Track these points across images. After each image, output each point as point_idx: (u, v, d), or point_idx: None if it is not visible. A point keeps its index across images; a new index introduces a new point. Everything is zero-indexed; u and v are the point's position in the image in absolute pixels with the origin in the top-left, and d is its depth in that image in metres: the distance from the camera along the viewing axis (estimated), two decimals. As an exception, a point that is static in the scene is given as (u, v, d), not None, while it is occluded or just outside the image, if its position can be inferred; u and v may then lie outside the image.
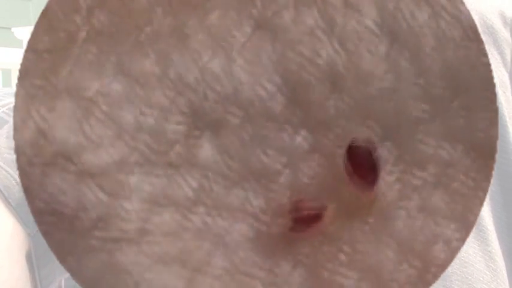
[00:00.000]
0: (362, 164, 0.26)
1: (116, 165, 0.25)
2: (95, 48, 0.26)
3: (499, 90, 0.51)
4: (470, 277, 0.46)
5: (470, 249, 0.47)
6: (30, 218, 0.38)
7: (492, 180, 0.48)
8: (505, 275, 0.48)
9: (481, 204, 0.27)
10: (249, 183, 0.26)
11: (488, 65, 0.27)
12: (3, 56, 2.19)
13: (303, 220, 0.26)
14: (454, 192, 0.26)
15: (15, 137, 0.25)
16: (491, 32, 0.52)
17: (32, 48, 0.26)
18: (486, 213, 0.48)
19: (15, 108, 0.25)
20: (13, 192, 0.39)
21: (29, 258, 0.39)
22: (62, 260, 0.25)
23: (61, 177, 0.25)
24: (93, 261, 0.25)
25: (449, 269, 0.46)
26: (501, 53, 0.52)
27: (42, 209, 0.25)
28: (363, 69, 0.26)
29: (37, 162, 0.25)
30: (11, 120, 0.44)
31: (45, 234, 0.25)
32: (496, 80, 0.51)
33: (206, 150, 0.26)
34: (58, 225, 0.25)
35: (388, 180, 0.26)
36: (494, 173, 0.48)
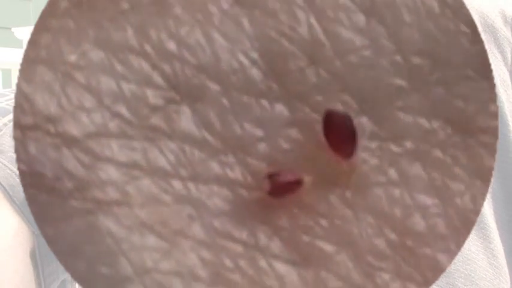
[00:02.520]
0: (340, 133, 0.26)
1: (95, 131, 0.26)
2: (73, 20, 0.26)
3: (500, 88, 0.51)
4: (473, 274, 0.46)
5: (472, 246, 0.47)
6: None
7: (493, 178, 0.49)
8: (507, 272, 0.48)
9: (462, 183, 0.27)
10: (227, 154, 0.26)
11: (468, 41, 0.27)
12: (3, 56, 2.20)
13: (281, 188, 0.26)
14: (432, 166, 0.27)
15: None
16: (491, 31, 0.53)
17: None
18: (488, 211, 0.48)
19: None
20: (18, 191, 0.39)
21: (33, 256, 0.39)
22: (42, 226, 0.25)
23: (42, 141, 0.25)
24: (74, 224, 0.25)
25: (453, 266, 0.46)
26: (502, 52, 0.52)
27: (24, 171, 0.25)
28: (340, 41, 0.26)
29: (21, 124, 0.25)
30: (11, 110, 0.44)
31: (29, 200, 0.25)
32: (497, 79, 0.51)
33: (185, 120, 0.26)
34: (39, 187, 0.25)
35: (365, 153, 0.26)
36: (495, 171, 0.48)
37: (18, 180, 0.39)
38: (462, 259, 0.46)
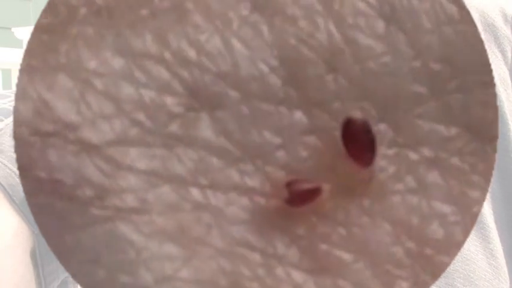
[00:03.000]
0: (359, 142, 0.26)
1: (115, 139, 0.26)
2: (92, 27, 0.26)
3: (500, 88, 0.51)
4: (472, 274, 0.46)
5: (472, 246, 0.47)
6: None
7: (493, 178, 0.48)
8: (506, 272, 0.48)
9: (480, 190, 0.27)
10: (246, 162, 0.26)
11: (484, 47, 0.27)
12: (3, 56, 2.20)
13: (299, 196, 0.26)
14: (449, 174, 0.27)
15: (15, 110, 0.25)
16: (492, 30, 0.52)
17: (34, 29, 0.26)
18: (487, 211, 0.48)
19: (17, 86, 0.26)
20: (17, 191, 0.39)
21: (33, 256, 0.39)
22: (61, 234, 0.25)
23: (63, 148, 0.25)
24: (94, 232, 0.25)
25: (451, 267, 0.46)
26: (502, 51, 0.52)
27: (43, 179, 0.25)
28: (360, 48, 0.26)
29: (40, 131, 0.25)
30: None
31: (46, 207, 0.25)
32: (497, 78, 0.51)
33: (204, 128, 0.26)
34: (58, 194, 0.25)
35: (383, 160, 0.26)
36: (495, 170, 0.48)
37: (17, 180, 0.39)
38: (461, 259, 0.46)
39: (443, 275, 0.45)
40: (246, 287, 0.25)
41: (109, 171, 0.26)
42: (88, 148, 0.26)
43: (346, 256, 0.26)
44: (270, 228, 0.26)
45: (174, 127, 0.26)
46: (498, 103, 0.49)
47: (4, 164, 0.40)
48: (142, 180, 0.26)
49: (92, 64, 0.26)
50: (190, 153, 0.26)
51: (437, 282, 0.45)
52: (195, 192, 0.26)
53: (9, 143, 0.41)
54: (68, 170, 0.25)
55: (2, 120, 0.45)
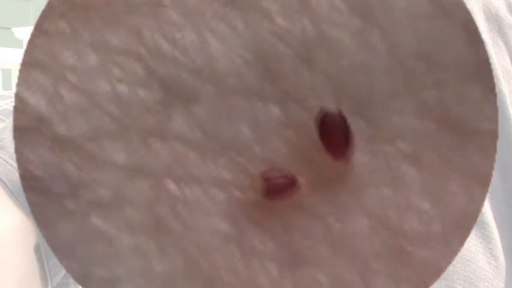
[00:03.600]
0: (334, 135, 0.26)
1: (89, 133, 0.26)
2: (67, 23, 0.26)
3: (502, 80, 0.50)
4: (472, 275, 0.46)
5: (472, 246, 0.47)
6: None
7: (493, 176, 0.48)
8: (504, 272, 0.48)
9: (457, 185, 0.27)
10: (221, 156, 0.26)
11: (470, 42, 0.27)
12: (3, 56, 2.20)
13: (276, 190, 0.26)
14: (426, 168, 0.27)
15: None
16: (495, 20, 0.51)
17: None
18: (487, 210, 0.48)
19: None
20: (19, 186, 0.39)
21: (37, 249, 0.39)
22: (41, 227, 0.25)
23: (38, 143, 0.26)
24: (69, 225, 0.25)
25: (451, 268, 0.46)
26: (506, 41, 0.51)
27: (22, 175, 0.25)
28: (336, 44, 0.26)
29: (18, 126, 0.26)
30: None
31: (28, 201, 0.25)
32: (500, 70, 0.50)
33: (179, 121, 0.26)
34: (36, 189, 0.25)
35: (360, 154, 0.26)
36: (495, 168, 0.48)
37: (18, 175, 0.39)
38: (461, 260, 0.45)
39: (443, 276, 0.45)
40: (223, 279, 0.26)
41: (84, 165, 0.26)
42: (63, 142, 0.26)
43: (323, 249, 0.26)
44: (247, 221, 0.26)
45: (149, 121, 0.26)
46: (499, 97, 0.48)
47: (5, 160, 0.40)
48: (117, 174, 0.26)
49: (67, 59, 0.26)
50: (165, 147, 0.26)
51: (437, 285, 0.45)
52: (171, 186, 0.26)
53: (9, 138, 0.41)
54: (43, 164, 0.26)
55: (3, 121, 0.45)
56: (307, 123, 0.26)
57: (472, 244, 0.46)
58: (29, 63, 0.26)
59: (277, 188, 0.26)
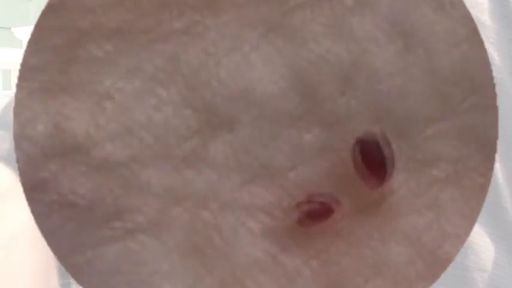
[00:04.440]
0: (371, 162, 0.26)
1: (128, 159, 0.26)
2: (104, 48, 0.26)
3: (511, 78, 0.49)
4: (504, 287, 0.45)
5: (500, 262, 0.46)
6: None
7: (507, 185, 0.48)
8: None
9: (484, 201, 0.27)
10: (260, 180, 0.26)
11: (490, 69, 0.27)
12: (3, 56, 2.19)
13: (313, 215, 0.26)
14: (464, 189, 0.27)
15: (22, 133, 0.25)
16: (503, 11, 0.51)
17: (38, 46, 0.26)
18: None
19: (20, 105, 0.25)
20: None
21: None
22: (71, 255, 0.25)
23: (76, 169, 0.25)
24: (106, 251, 0.25)
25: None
26: None
27: (55, 201, 0.25)
28: (374, 68, 0.26)
29: (52, 153, 0.25)
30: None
31: (56, 229, 0.25)
32: (510, 67, 0.50)
33: (218, 147, 0.26)
34: (72, 216, 0.25)
35: (398, 178, 0.26)
36: (506, 176, 0.48)
37: None
38: (493, 276, 0.45)
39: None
40: None
41: (120, 191, 0.26)
42: (100, 169, 0.26)
43: (358, 278, 0.26)
44: (282, 249, 0.26)
45: (185, 149, 0.26)
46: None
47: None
48: (154, 202, 0.26)
49: (103, 86, 0.26)
50: (200, 175, 0.26)
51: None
52: (206, 214, 0.26)
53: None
54: (80, 191, 0.25)
55: None
56: (344, 150, 0.26)
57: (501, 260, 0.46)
58: (62, 90, 0.26)
59: (311, 215, 0.26)
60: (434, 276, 0.26)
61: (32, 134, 0.25)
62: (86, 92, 0.26)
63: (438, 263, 0.26)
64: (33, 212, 0.25)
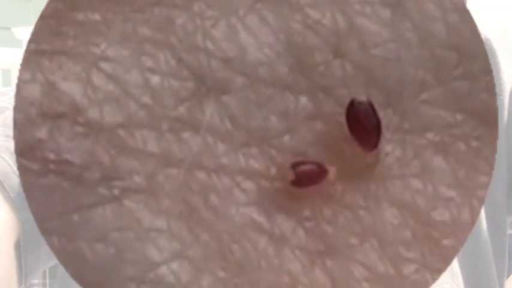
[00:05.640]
0: (364, 125, 0.26)
1: (123, 121, 0.26)
2: (99, 13, 0.26)
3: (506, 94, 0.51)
4: None
5: None
6: (25, 203, 0.38)
7: None
8: (461, 278, 0.48)
9: (485, 174, 0.27)
10: (251, 146, 0.26)
11: (480, 35, 0.27)
12: (3, 56, 2.19)
13: (305, 178, 0.26)
14: (455, 158, 0.27)
15: (20, 92, 0.26)
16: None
17: (40, 16, 0.26)
18: None
19: (21, 69, 0.26)
20: (9, 178, 0.39)
21: (17, 245, 0.39)
22: (67, 213, 0.25)
23: (71, 129, 0.26)
24: (102, 211, 0.25)
25: None
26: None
27: (51, 160, 0.25)
28: (366, 35, 0.27)
29: (49, 113, 0.26)
30: (10, 108, 0.44)
31: (51, 187, 0.25)
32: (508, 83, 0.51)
33: (210, 112, 0.26)
34: (65, 175, 0.25)
35: (388, 145, 0.27)
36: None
37: (9, 168, 0.38)
38: None
39: None
40: (254, 265, 0.26)
41: (117, 152, 0.26)
42: (96, 130, 0.26)
43: (353, 238, 0.26)
44: (276, 210, 0.26)
45: (180, 111, 0.26)
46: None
47: None
48: (150, 162, 0.26)
49: (99, 48, 0.26)
50: (196, 137, 0.26)
51: None
52: (202, 175, 0.26)
53: (1, 132, 0.41)
54: (76, 151, 0.26)
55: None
56: (337, 114, 0.27)
57: None
58: (58, 51, 0.26)
59: (305, 176, 0.26)
60: (430, 238, 0.26)
61: (29, 94, 0.26)
62: (82, 54, 0.26)
63: (432, 225, 0.26)
64: (26, 173, 0.25)
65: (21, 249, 0.39)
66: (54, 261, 0.42)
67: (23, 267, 0.39)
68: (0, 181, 0.39)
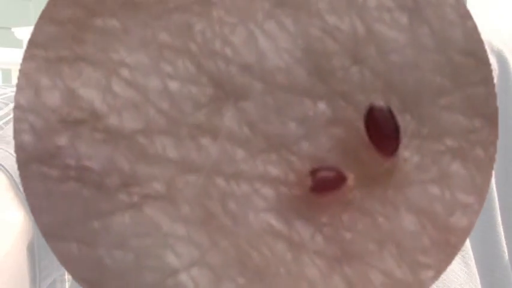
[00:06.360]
0: (382, 131, 0.26)
1: (142, 128, 0.26)
2: (118, 19, 0.26)
3: None
4: (444, 276, 0.47)
5: None
6: None
7: None
8: (478, 279, 0.49)
9: (491, 177, 0.27)
10: (269, 152, 0.26)
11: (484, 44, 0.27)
12: (3, 56, 2.19)
13: (324, 185, 0.26)
14: (472, 164, 0.27)
15: (40, 99, 0.26)
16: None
17: (50, 18, 0.26)
18: None
19: (34, 73, 0.26)
20: None
21: (30, 248, 0.39)
22: (87, 220, 0.25)
23: (91, 136, 0.26)
24: (122, 217, 0.25)
25: None
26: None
27: (71, 166, 0.25)
28: (384, 40, 0.27)
29: (68, 119, 0.26)
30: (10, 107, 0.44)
31: (70, 195, 0.25)
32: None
33: (228, 118, 0.26)
34: (85, 181, 0.25)
35: (407, 150, 0.27)
36: None
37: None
38: None
39: None
40: (273, 271, 0.26)
41: (136, 159, 0.26)
42: (116, 136, 0.26)
43: (371, 244, 0.26)
44: (295, 217, 0.26)
45: (199, 117, 0.26)
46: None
47: (11, 154, 0.40)
48: (169, 169, 0.26)
49: (118, 55, 0.26)
50: (214, 143, 0.26)
51: None
52: (220, 182, 0.26)
53: (12, 133, 0.41)
54: (96, 157, 0.26)
55: (1, 108, 0.45)
56: (355, 120, 0.27)
57: None
58: (78, 57, 0.26)
59: (324, 183, 0.26)
60: (447, 244, 0.26)
61: (48, 100, 0.26)
62: (101, 61, 0.26)
63: (450, 230, 0.26)
64: (46, 180, 0.25)
65: (34, 252, 0.39)
66: None
67: (37, 272, 0.40)
68: (16, 183, 0.39)
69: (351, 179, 0.26)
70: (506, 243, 0.50)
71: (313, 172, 0.26)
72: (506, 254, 0.50)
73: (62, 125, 0.26)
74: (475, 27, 0.27)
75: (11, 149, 0.41)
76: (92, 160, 0.26)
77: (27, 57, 0.26)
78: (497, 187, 0.48)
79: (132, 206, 0.26)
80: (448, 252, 0.26)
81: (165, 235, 0.25)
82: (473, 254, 0.49)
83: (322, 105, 0.27)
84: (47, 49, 0.26)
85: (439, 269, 0.26)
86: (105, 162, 0.26)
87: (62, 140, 0.26)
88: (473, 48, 0.27)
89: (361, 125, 0.27)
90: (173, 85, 0.26)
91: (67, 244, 0.25)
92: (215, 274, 0.25)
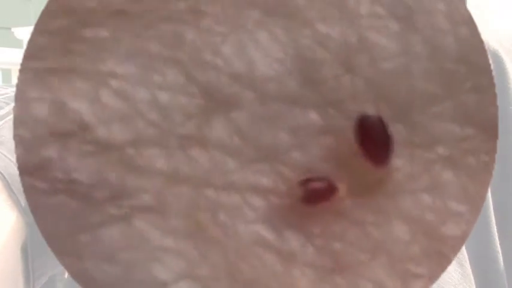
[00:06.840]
0: (374, 140, 0.26)
1: (131, 139, 0.26)
2: (107, 30, 0.26)
3: None
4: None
5: None
6: None
7: None
8: (473, 280, 0.49)
9: (488, 187, 0.27)
10: (260, 162, 0.26)
11: (485, 48, 0.27)
12: (3, 56, 2.19)
13: (314, 195, 0.26)
14: (464, 173, 0.27)
15: (28, 111, 0.25)
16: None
17: (42, 29, 0.26)
18: None
19: (24, 85, 0.26)
20: (16, 180, 0.39)
21: (24, 248, 0.39)
22: (75, 232, 0.25)
23: (80, 148, 0.26)
24: (110, 230, 0.25)
25: None
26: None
27: (59, 179, 0.25)
28: (376, 49, 0.26)
29: (58, 131, 0.25)
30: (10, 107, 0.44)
31: (58, 208, 0.25)
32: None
33: (219, 129, 0.26)
34: (73, 193, 0.25)
35: (398, 159, 0.27)
36: None
37: (16, 170, 0.39)
38: None
39: None
40: (263, 283, 0.26)
41: (125, 171, 0.26)
42: (105, 148, 0.26)
43: (362, 254, 0.26)
44: (285, 227, 0.26)
45: (189, 128, 0.26)
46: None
47: (4, 155, 0.40)
48: (158, 180, 0.26)
49: (108, 66, 0.26)
50: (204, 153, 0.26)
51: None
52: (210, 193, 0.26)
53: (9, 135, 0.41)
54: (85, 170, 0.25)
55: (1, 108, 0.45)
56: (346, 129, 0.26)
57: None
58: (67, 69, 0.26)
59: (315, 193, 0.26)
60: (439, 254, 0.26)
61: (37, 112, 0.26)
62: (90, 71, 0.26)
63: (442, 240, 0.26)
64: (34, 193, 0.25)
65: (28, 252, 0.39)
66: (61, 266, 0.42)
67: (31, 271, 0.39)
68: (9, 184, 0.39)
69: (342, 190, 0.26)
70: (500, 244, 0.50)
71: (304, 182, 0.26)
72: (501, 254, 0.50)
73: (51, 137, 0.26)
74: (469, 34, 0.27)
75: (4, 150, 0.41)
76: (80, 172, 0.25)
77: (21, 69, 0.26)
78: (491, 187, 0.48)
79: (121, 219, 0.25)
80: (440, 261, 0.26)
81: (154, 248, 0.25)
82: (468, 255, 0.49)
83: (313, 115, 0.26)
84: (37, 60, 0.26)
85: (431, 278, 0.26)
86: (93, 175, 0.25)
87: (50, 153, 0.25)
88: (466, 56, 0.26)
89: (352, 134, 0.26)
90: (163, 96, 0.26)
91: (59, 256, 0.25)
92: (204, 287, 0.25)
